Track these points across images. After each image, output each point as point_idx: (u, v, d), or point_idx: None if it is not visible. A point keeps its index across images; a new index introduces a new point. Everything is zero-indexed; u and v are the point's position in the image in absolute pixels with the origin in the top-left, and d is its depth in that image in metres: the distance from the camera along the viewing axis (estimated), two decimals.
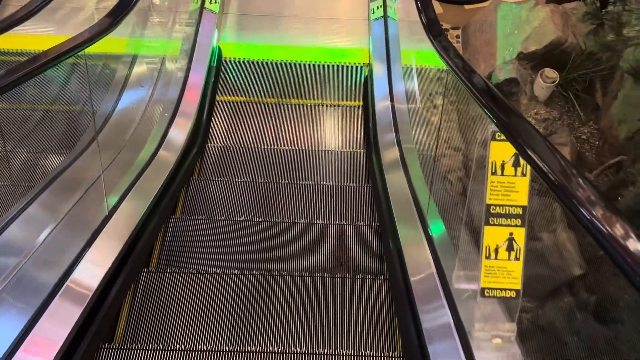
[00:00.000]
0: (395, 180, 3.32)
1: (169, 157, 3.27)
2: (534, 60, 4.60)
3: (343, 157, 4.24)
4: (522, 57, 4.54)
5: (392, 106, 4.10)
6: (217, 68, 4.92)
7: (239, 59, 5.07)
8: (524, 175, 2.10)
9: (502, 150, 2.08)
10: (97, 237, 2.64)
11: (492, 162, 2.10)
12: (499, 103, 1.96)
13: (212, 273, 2.88)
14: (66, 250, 2.47)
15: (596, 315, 3.43)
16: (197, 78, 4.38)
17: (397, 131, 3.83)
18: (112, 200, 2.90)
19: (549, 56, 4.56)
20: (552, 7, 4.57)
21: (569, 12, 4.69)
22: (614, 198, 3.67)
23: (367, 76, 5.02)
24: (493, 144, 2.09)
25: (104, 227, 2.76)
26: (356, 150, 4.31)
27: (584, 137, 4.53)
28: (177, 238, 3.20)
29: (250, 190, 3.59)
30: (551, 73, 4.42)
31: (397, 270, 2.72)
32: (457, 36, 5.40)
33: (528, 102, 4.56)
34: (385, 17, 5.17)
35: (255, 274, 2.87)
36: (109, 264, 2.57)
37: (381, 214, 3.26)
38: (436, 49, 2.56)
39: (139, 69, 3.86)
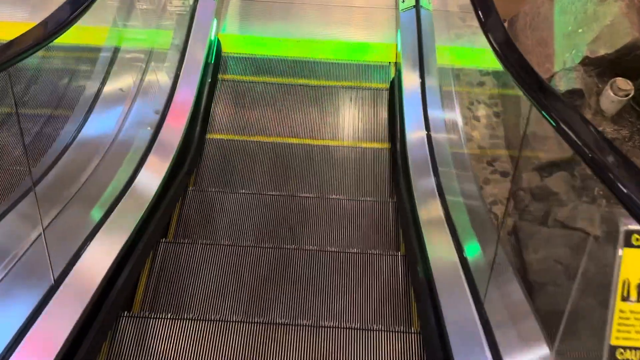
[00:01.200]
0: (440, 259, 2.44)
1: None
2: (600, 67, 3.75)
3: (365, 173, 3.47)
4: (587, 62, 3.70)
5: (429, 137, 3.27)
6: (216, 65, 4.12)
7: (242, 55, 4.26)
8: None
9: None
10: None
11: (624, 282, 1.31)
12: None
13: None
14: None
15: None
16: (189, 83, 3.59)
17: (436, 173, 2.96)
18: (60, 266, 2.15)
19: (619, 62, 3.71)
20: (626, 1, 3.70)
21: None
22: None
23: (393, 79, 4.20)
24: (628, 252, 1.30)
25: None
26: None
27: None
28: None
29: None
30: (624, 84, 3.58)
31: None
32: None
33: (592, 117, 3.73)
34: (417, 6, 4.32)
35: None
36: None
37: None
38: (522, 88, 1.73)
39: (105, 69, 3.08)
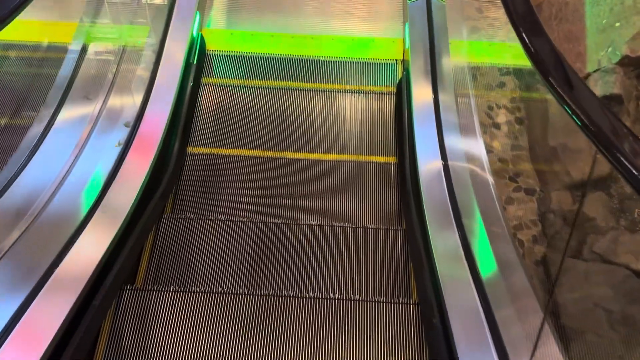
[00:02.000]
0: None
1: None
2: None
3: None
4: (626, 62, 3.20)
5: (446, 166, 2.78)
6: (199, 66, 3.62)
7: (230, 53, 3.76)
8: None
9: None
10: None
11: None
12: None
13: None
14: None
15: None
16: (166, 88, 3.10)
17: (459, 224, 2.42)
18: None
19: None
20: None
21: None
22: None
23: (401, 80, 3.70)
24: None
25: None
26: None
27: None
28: None
29: None
30: None
31: None
32: None
33: (631, 125, 3.24)
34: None
35: None
36: None
37: None
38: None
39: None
